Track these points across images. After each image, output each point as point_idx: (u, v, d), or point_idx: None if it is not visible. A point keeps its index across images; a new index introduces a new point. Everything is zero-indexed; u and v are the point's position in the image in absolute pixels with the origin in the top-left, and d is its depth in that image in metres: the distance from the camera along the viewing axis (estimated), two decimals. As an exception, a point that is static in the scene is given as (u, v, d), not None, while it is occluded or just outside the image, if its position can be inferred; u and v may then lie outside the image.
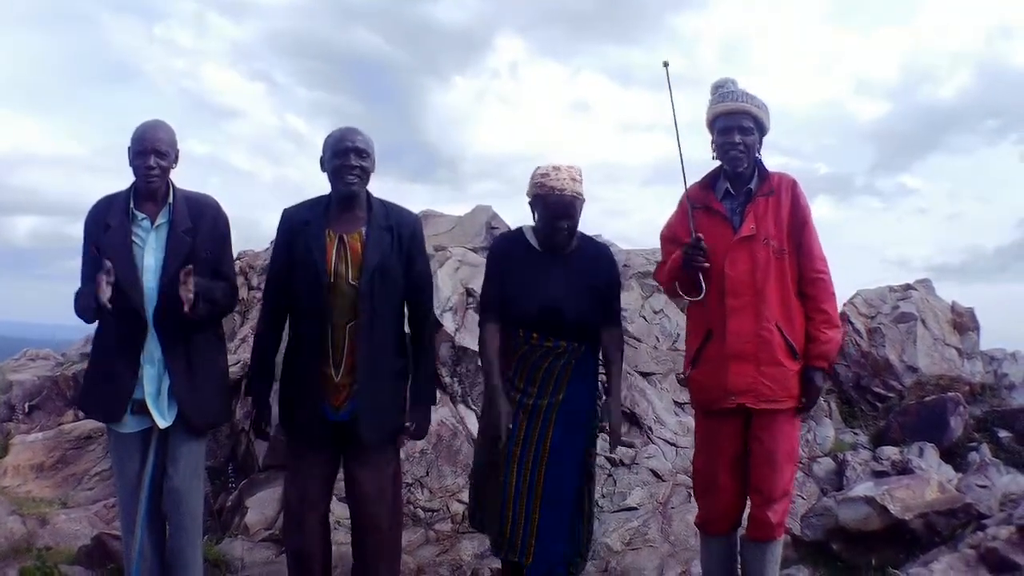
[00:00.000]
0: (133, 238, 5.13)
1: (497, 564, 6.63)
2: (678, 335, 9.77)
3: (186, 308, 4.93)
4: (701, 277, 5.28)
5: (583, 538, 5.67)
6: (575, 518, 5.58)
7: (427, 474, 7.71)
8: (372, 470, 5.35)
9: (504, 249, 5.76)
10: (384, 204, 5.39)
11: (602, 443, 5.78)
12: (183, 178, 5.35)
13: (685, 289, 5.43)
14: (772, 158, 5.49)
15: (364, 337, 5.18)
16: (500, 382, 5.51)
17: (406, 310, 5.50)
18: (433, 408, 5.81)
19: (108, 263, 4.87)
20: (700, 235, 5.23)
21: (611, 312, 5.71)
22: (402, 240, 5.31)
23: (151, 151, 5.09)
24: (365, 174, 5.23)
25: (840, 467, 9.01)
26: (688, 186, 5.46)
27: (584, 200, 5.50)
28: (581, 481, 5.60)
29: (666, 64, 5.33)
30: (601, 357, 5.78)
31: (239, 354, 8.95)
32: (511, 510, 5.45)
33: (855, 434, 9.97)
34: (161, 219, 5.18)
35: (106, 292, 4.83)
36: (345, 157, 5.17)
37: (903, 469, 8.66)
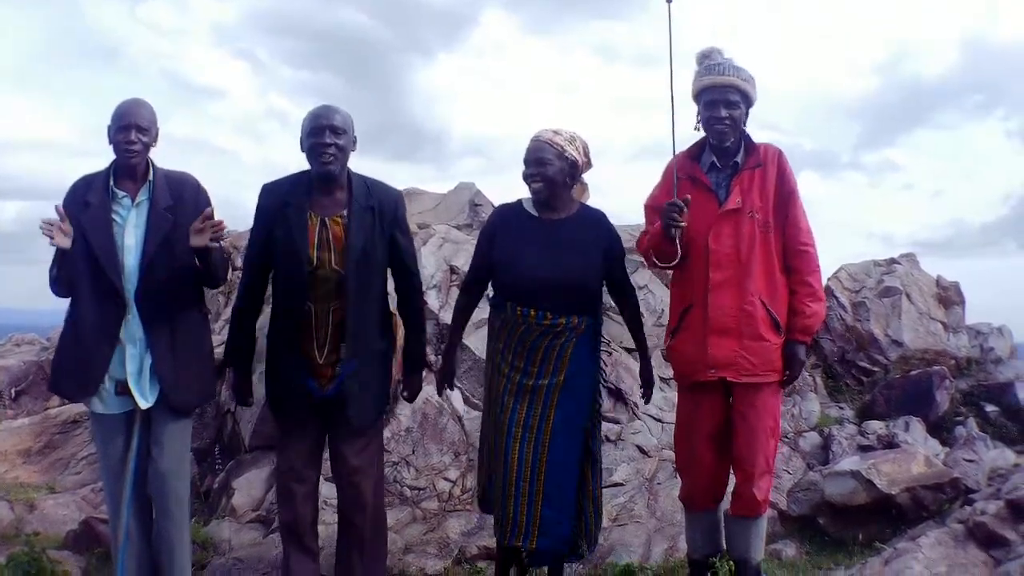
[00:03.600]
0: (113, 216, 5.11)
1: (483, 542, 6.66)
2: (662, 311, 9.71)
3: (215, 245, 5.09)
4: (678, 241, 5.27)
5: (590, 520, 5.66)
6: (579, 499, 5.58)
7: (413, 453, 7.70)
8: (356, 446, 5.38)
9: (498, 220, 5.75)
10: (365, 182, 5.37)
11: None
12: (166, 159, 5.33)
13: (662, 257, 5.45)
14: (757, 133, 5.47)
15: (350, 321, 5.19)
16: (456, 350, 5.86)
17: (392, 287, 5.52)
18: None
19: (57, 205, 4.94)
20: (688, 196, 5.23)
21: (620, 281, 5.74)
22: (384, 218, 5.31)
23: (132, 126, 5.07)
24: (341, 152, 5.20)
25: (826, 441, 9.02)
26: (674, 154, 5.47)
27: (564, 151, 5.45)
28: (583, 461, 5.59)
29: (669, 0, 5.32)
30: (627, 329, 5.88)
31: (223, 335, 8.93)
32: (513, 492, 5.42)
33: (840, 408, 9.98)
34: (141, 197, 5.15)
35: (60, 239, 4.93)
36: (320, 135, 5.15)
37: (889, 443, 8.68)
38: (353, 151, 5.33)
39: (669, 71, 5.30)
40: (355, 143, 5.34)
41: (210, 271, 5.20)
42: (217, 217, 5.16)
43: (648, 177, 5.91)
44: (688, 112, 5.52)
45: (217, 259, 5.27)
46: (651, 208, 5.65)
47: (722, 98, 5.31)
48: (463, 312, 5.86)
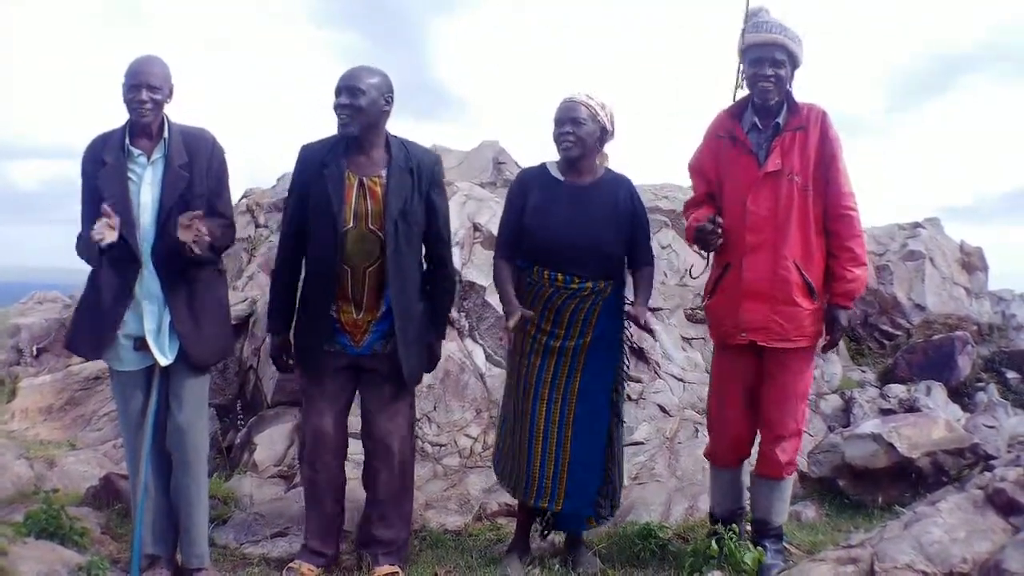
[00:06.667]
0: (129, 175, 5.11)
1: (504, 499, 6.68)
2: (686, 270, 9.72)
3: (196, 250, 4.92)
4: (709, 256, 5.42)
5: (615, 480, 5.71)
6: (606, 460, 5.62)
7: (434, 409, 7.74)
8: (388, 408, 5.47)
9: (524, 182, 5.72)
10: (404, 144, 5.40)
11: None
12: (188, 118, 5.33)
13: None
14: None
15: (393, 280, 5.24)
16: (513, 294, 5.51)
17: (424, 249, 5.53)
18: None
19: (106, 206, 4.88)
20: (720, 220, 5.27)
21: (640, 249, 5.68)
22: (422, 181, 5.34)
23: (144, 85, 5.04)
24: (358, 113, 5.17)
25: (847, 404, 9.04)
26: (716, 114, 5.47)
27: (596, 114, 5.44)
28: (610, 421, 5.63)
29: None
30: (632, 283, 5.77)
31: (246, 291, 8.95)
32: (539, 454, 5.48)
33: (862, 372, 9.97)
34: (157, 155, 5.14)
35: (109, 235, 4.84)
36: (338, 96, 5.20)
37: (910, 407, 8.68)
38: (385, 110, 5.30)
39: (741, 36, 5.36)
40: (388, 103, 5.30)
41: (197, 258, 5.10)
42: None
43: (677, 136, 5.84)
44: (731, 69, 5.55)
45: (220, 242, 5.28)
46: (694, 171, 5.67)
47: (768, 56, 5.24)
48: (506, 275, 5.64)
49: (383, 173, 5.27)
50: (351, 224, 5.21)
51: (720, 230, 5.24)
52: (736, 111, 5.50)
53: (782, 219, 5.23)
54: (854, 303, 5.49)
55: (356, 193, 5.23)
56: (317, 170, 5.26)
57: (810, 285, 5.26)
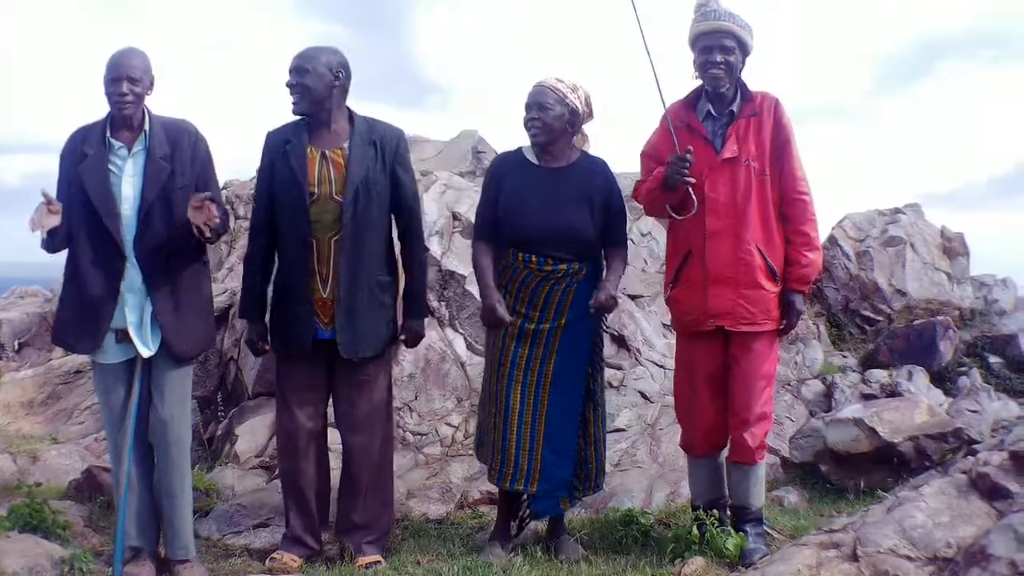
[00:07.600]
0: (110, 167, 5.10)
1: (486, 487, 6.68)
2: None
3: (207, 233, 4.99)
4: (692, 192, 5.26)
5: (592, 464, 5.70)
6: (580, 443, 5.63)
7: (416, 398, 7.76)
8: (360, 391, 5.47)
9: (500, 167, 5.78)
10: (367, 120, 5.49)
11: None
12: (173, 111, 5.34)
13: (675, 208, 5.39)
14: (761, 82, 5.65)
15: (346, 250, 5.27)
16: (492, 281, 5.57)
17: (394, 226, 5.60)
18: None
19: (45, 190, 4.89)
20: (691, 148, 5.20)
21: (614, 230, 5.71)
22: (386, 154, 5.42)
23: (124, 77, 5.04)
24: (305, 91, 5.32)
25: (829, 390, 9.06)
26: (669, 104, 5.46)
27: (565, 98, 5.48)
28: (584, 405, 5.63)
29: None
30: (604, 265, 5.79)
31: (226, 283, 8.94)
32: (514, 436, 5.49)
33: (844, 357, 9.99)
34: (138, 147, 5.14)
35: (49, 221, 4.91)
36: (289, 76, 5.34)
37: (892, 392, 8.70)
38: (335, 85, 5.39)
39: (648, 56, 5.31)
40: (338, 78, 5.39)
41: (202, 241, 5.16)
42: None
43: (646, 123, 5.93)
44: (684, 61, 5.54)
45: (220, 227, 5.26)
46: (648, 156, 5.67)
47: (717, 43, 5.29)
48: (485, 256, 5.70)
49: (345, 145, 5.37)
50: (315, 194, 5.29)
51: (690, 157, 5.17)
52: (691, 101, 5.54)
53: (741, 204, 5.27)
54: (809, 287, 5.52)
55: (319, 165, 5.33)
56: (281, 148, 5.39)
57: (772, 268, 5.31)
